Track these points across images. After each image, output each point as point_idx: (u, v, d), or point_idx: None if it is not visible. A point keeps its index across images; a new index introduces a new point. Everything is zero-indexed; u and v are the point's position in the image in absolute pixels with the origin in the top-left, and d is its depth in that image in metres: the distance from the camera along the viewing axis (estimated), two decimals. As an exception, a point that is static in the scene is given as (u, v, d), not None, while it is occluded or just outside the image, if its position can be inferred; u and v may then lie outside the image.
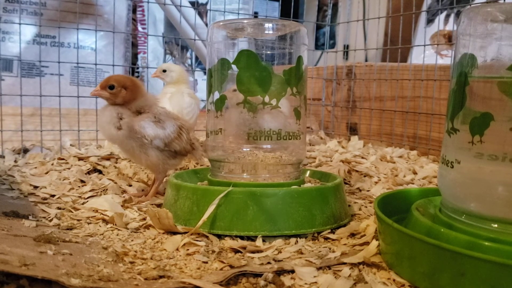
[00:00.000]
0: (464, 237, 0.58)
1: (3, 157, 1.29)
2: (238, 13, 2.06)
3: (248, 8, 2.30)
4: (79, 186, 1.04)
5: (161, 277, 0.57)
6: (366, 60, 2.15)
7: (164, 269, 0.60)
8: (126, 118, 0.90)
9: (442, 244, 0.54)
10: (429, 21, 1.89)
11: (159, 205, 0.90)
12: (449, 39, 1.81)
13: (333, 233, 0.77)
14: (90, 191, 1.00)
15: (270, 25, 0.87)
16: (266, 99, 0.82)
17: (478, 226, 0.60)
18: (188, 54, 2.36)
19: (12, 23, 1.79)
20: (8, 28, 1.81)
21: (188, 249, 0.68)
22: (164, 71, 1.35)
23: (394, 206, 0.74)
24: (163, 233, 0.75)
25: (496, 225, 0.59)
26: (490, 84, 0.61)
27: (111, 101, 0.92)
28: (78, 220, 0.81)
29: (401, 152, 1.47)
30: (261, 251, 0.68)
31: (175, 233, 0.74)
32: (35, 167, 1.20)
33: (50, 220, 0.80)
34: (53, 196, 0.96)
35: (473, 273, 0.51)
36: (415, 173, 1.23)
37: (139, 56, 2.31)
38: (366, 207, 0.92)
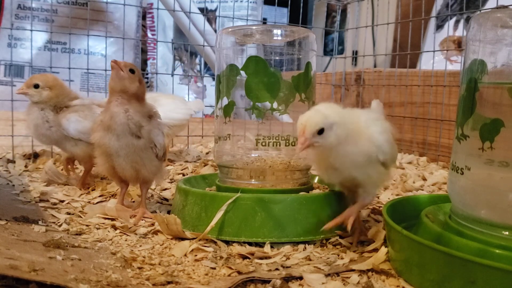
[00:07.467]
0: (475, 245, 0.57)
1: (14, 162, 1.31)
2: (247, 19, 2.06)
3: (257, 14, 2.30)
4: (88, 192, 1.04)
5: (169, 282, 0.57)
6: (375, 66, 2.14)
7: (172, 274, 0.60)
8: (145, 126, 0.81)
9: (452, 252, 0.53)
10: (439, 27, 1.88)
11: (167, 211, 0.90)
12: (459, 45, 1.80)
13: (342, 239, 0.76)
14: (99, 196, 1.00)
15: (279, 31, 0.87)
16: (275, 105, 0.82)
17: (488, 234, 0.59)
18: (197, 60, 2.37)
19: (23, 29, 1.81)
20: (19, 34, 1.84)
21: (196, 255, 0.68)
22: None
23: (403, 212, 0.74)
24: (171, 239, 0.75)
25: (507, 233, 0.58)
26: (500, 90, 0.60)
27: (125, 90, 0.78)
28: (87, 225, 0.81)
29: (410, 158, 1.46)
30: (269, 258, 0.68)
31: (183, 239, 0.74)
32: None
33: (60, 225, 0.80)
34: (62, 201, 0.97)
35: (483, 281, 0.50)
36: (424, 179, 1.22)
37: (149, 62, 2.33)
38: (375, 213, 0.92)
